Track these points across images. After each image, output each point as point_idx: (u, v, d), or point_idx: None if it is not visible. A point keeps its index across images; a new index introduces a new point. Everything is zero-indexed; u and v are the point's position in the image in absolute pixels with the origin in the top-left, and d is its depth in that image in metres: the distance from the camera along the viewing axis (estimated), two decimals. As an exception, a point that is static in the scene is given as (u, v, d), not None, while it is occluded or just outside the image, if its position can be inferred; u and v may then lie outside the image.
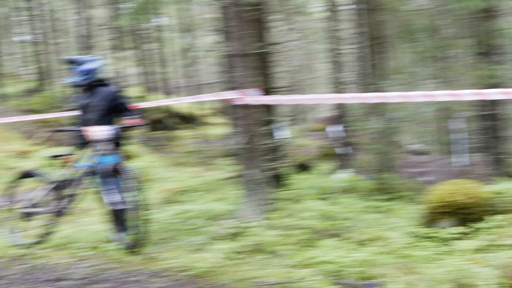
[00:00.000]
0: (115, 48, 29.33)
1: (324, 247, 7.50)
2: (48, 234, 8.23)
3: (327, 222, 8.56)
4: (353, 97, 9.35)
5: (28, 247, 8.02)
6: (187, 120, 31.83)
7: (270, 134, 11.23)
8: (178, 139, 27.81)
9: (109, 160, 7.62)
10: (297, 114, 32.70)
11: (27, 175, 8.54)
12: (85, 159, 7.83)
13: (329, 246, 7.52)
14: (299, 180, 11.96)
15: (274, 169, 11.20)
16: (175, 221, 9.81)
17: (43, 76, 33.37)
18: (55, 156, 8.11)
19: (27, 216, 8.34)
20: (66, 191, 7.97)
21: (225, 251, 7.82)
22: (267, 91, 10.86)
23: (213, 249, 8.13)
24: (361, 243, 7.25)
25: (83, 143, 7.86)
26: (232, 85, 9.75)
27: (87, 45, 22.18)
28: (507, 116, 16.77)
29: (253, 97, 8.87)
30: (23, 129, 23.21)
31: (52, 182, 8.06)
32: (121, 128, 7.79)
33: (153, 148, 23.43)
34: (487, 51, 14.84)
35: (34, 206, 8.28)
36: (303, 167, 15.43)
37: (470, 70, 14.35)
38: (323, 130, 28.82)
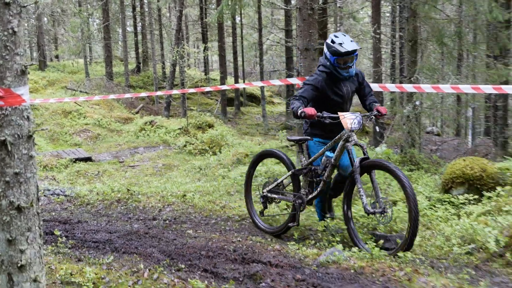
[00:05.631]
0: (202, 40, 29.50)
1: (361, 204, 7.41)
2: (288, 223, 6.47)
3: (364, 185, 8.46)
4: (393, 87, 9.17)
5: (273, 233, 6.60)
6: (254, 99, 31.89)
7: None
8: (246, 114, 27.88)
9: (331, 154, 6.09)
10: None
11: (269, 155, 7.16)
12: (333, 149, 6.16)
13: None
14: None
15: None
16: (243, 178, 9.85)
17: (143, 60, 33.89)
18: (292, 140, 6.57)
19: (266, 200, 6.95)
20: (308, 180, 6.34)
21: (282, 204, 7.83)
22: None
23: (273, 201, 8.15)
24: (392, 204, 7.15)
25: (327, 131, 6.30)
26: (295, 73, 9.71)
27: (180, 37, 22.19)
28: (510, 107, 16.51)
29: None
30: (124, 101, 23.58)
31: (293, 168, 6.50)
32: (373, 116, 6.12)
33: (226, 120, 23.53)
34: (501, 55, 14.49)
35: (273, 191, 6.86)
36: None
37: (486, 70, 13.99)
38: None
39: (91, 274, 4.60)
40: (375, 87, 9.83)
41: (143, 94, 12.58)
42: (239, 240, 6.09)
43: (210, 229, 6.84)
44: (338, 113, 5.88)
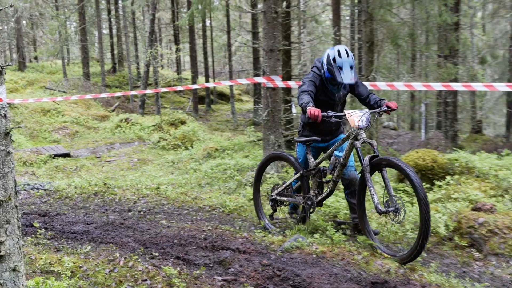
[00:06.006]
0: (174, 41, 29.32)
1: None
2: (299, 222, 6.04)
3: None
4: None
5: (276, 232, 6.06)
6: (223, 97, 31.84)
7: (287, 110, 11.20)
8: (216, 111, 27.82)
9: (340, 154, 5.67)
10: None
11: (277, 157, 6.59)
12: (341, 148, 5.71)
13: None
14: (305, 145, 11.90)
15: (288, 135, 11.18)
16: (213, 171, 9.83)
17: (118, 61, 33.58)
18: (300, 141, 5.91)
19: (275, 203, 6.37)
20: (317, 181, 5.85)
21: (249, 194, 7.85)
22: (287, 78, 10.81)
23: (241, 193, 8.15)
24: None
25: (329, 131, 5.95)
26: (261, 73, 9.70)
27: (153, 39, 22.03)
28: (459, 103, 16.81)
29: (276, 82, 8.82)
30: (101, 99, 23.35)
31: (302, 169, 5.97)
32: (382, 112, 5.41)
33: (197, 117, 23.44)
34: (450, 55, 14.71)
35: (281, 194, 6.28)
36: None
37: (437, 68, 14.19)
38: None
39: (70, 263, 4.54)
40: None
41: (118, 93, 12.37)
42: (210, 229, 6.08)
43: (182, 219, 6.82)
44: (345, 111, 5.43)
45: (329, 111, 5.25)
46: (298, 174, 5.97)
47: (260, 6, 22.08)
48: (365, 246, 5.32)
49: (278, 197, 6.28)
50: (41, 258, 4.67)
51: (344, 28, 25.41)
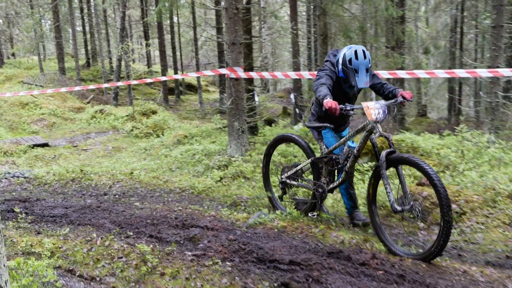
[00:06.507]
0: (144, 37, 28.97)
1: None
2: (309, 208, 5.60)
3: (285, 158, 8.59)
4: (308, 74, 9.30)
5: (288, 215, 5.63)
6: (192, 88, 31.64)
7: (250, 98, 11.21)
8: (185, 101, 27.64)
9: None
10: (267, 85, 32.56)
11: (287, 140, 6.04)
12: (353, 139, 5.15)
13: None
14: (267, 130, 11.97)
15: (251, 122, 11.21)
16: (183, 156, 9.81)
17: (92, 56, 33.03)
18: (312, 127, 5.38)
19: (284, 186, 5.90)
20: (329, 168, 5.34)
21: (216, 177, 7.88)
22: (249, 69, 10.81)
23: (209, 175, 8.16)
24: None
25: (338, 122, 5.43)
26: (225, 65, 9.69)
27: (124, 35, 21.71)
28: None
29: (239, 73, 8.82)
30: (77, 93, 22.96)
31: (313, 155, 5.52)
32: (399, 102, 4.92)
33: (167, 107, 23.26)
34: (397, 46, 14.91)
35: (292, 178, 5.82)
36: (270, 122, 15.41)
37: (385, 58, 14.38)
38: (283, 97, 28.87)
39: (49, 244, 4.51)
40: (293, 75, 9.95)
41: (92, 86, 12.22)
42: (180, 209, 6.09)
43: (155, 200, 6.80)
44: (362, 103, 4.81)
45: (346, 104, 4.79)
46: (309, 160, 5.51)
47: (222, 3, 21.96)
48: (321, 220, 5.42)
49: (288, 181, 5.83)
50: (22, 241, 4.62)
51: (301, 23, 25.50)
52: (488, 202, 5.45)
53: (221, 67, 22.18)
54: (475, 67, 15.16)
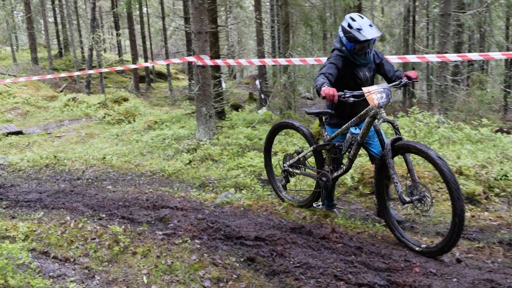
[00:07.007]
0: (114, 27, 28.41)
1: (248, 157, 7.55)
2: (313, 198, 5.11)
3: (251, 141, 8.58)
4: (270, 61, 9.27)
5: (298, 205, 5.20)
6: (162, 76, 31.28)
7: (217, 85, 11.13)
8: (155, 88, 27.31)
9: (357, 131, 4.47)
10: (233, 72, 32.42)
11: (287, 126, 5.40)
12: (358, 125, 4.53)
13: (252, 156, 7.57)
14: (234, 115, 11.93)
15: (218, 107, 11.14)
16: (154, 141, 9.70)
17: (64, 46, 32.29)
18: (312, 113, 4.86)
19: (287, 174, 5.37)
20: (332, 156, 4.79)
21: (185, 160, 7.82)
22: (216, 57, 10.71)
23: (178, 159, 8.10)
24: (273, 154, 7.32)
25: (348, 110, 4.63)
26: (192, 53, 9.56)
27: (95, 25, 21.23)
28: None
29: (205, 60, 8.73)
30: (50, 82, 22.44)
31: (315, 143, 4.99)
32: (403, 83, 4.43)
33: (138, 94, 22.94)
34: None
35: (294, 166, 5.29)
36: (236, 107, 15.36)
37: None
38: (249, 83, 28.79)
39: (24, 228, 4.41)
40: (256, 62, 9.92)
41: (63, 74, 11.92)
42: (151, 191, 6.03)
43: (127, 184, 6.72)
44: (362, 88, 4.28)
45: (346, 91, 4.27)
46: (311, 148, 5.01)
47: (190, -6, 21.66)
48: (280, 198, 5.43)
49: (290, 169, 5.32)
50: (-3, 225, 4.50)
51: (265, 13, 25.40)
52: (437, 178, 5.55)
53: (189, 55, 21.98)
54: (426, 53, 15.37)
